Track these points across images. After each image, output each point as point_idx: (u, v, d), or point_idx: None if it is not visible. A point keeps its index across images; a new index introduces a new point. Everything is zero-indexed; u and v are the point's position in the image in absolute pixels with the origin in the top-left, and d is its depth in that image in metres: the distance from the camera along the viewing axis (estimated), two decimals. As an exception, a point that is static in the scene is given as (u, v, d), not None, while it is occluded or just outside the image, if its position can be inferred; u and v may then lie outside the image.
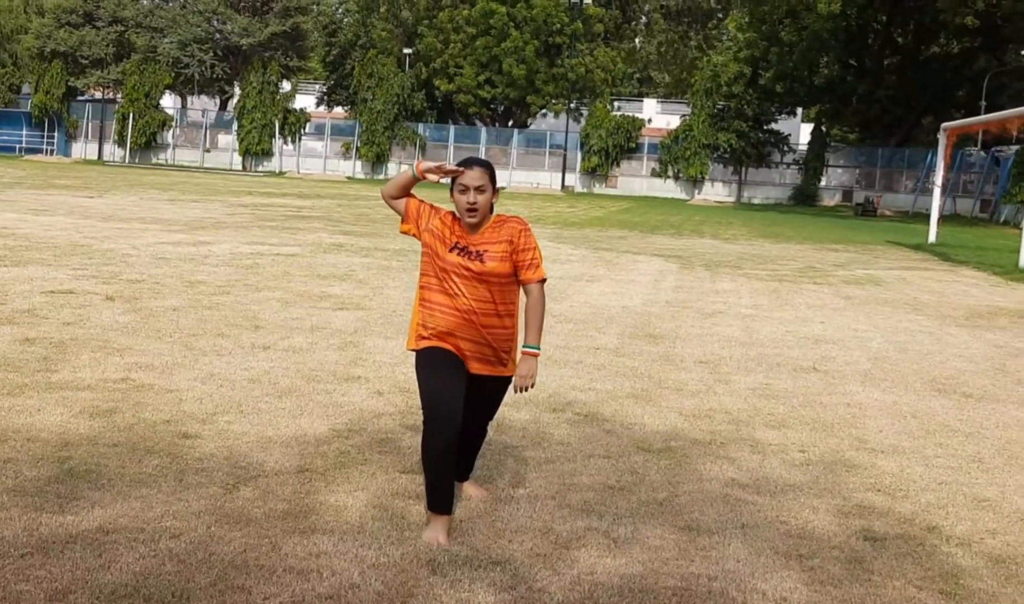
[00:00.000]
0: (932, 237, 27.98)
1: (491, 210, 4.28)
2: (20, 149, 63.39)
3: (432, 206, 4.36)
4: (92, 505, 4.22)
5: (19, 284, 10.06)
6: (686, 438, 5.93)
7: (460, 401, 4.13)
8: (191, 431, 5.37)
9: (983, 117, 33.50)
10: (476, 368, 4.26)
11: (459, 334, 4.20)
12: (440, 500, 4.12)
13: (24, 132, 64.44)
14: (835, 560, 4.19)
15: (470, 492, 4.61)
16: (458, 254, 4.20)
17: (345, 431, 5.58)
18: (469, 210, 4.20)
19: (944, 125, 30.07)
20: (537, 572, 3.86)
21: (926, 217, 33.03)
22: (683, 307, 11.63)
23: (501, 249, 4.21)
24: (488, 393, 4.42)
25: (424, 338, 4.26)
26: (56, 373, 6.46)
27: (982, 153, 53.12)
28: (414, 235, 4.34)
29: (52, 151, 63.52)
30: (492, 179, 4.24)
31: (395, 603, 3.54)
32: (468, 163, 4.28)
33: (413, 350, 4.31)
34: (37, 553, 3.71)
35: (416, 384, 4.27)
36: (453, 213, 4.32)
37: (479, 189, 4.18)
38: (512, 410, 6.08)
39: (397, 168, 61.07)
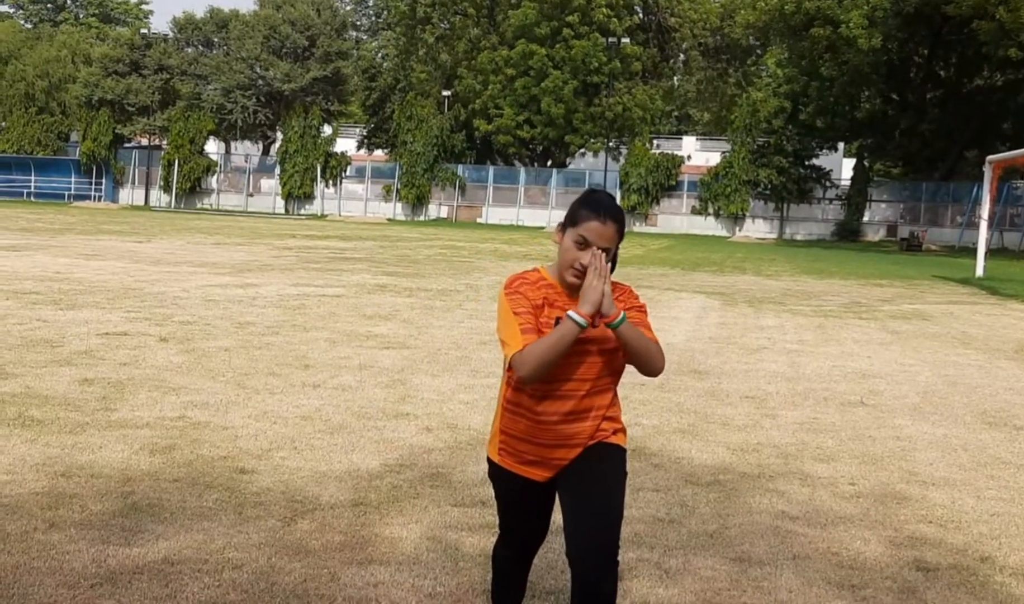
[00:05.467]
0: (979, 271, 27.64)
1: None
2: (69, 196, 64.79)
3: (531, 302, 3.10)
4: (156, 537, 4.34)
5: (75, 326, 10.31)
6: (734, 472, 5.96)
7: (543, 532, 3.41)
8: (248, 466, 5.49)
9: (1028, 149, 33.16)
10: (574, 453, 3.16)
11: (551, 439, 3.13)
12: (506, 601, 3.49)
13: (73, 179, 65.91)
14: (888, 590, 4.20)
15: None
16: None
17: (397, 466, 5.67)
18: (577, 273, 3.04)
19: (989, 158, 29.78)
20: (591, 602, 3.90)
21: (973, 251, 32.65)
22: (727, 343, 11.63)
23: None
24: (598, 475, 3.13)
25: (506, 452, 3.21)
26: (115, 412, 6.63)
27: (1029, 186, 52.58)
28: None
29: (100, 197, 64.90)
30: (621, 238, 3.14)
31: (453, 632, 3.61)
32: (599, 207, 3.06)
33: (490, 458, 3.30)
34: (106, 583, 3.84)
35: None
36: (535, 277, 3.16)
37: (604, 251, 3.05)
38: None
39: (437, 210, 61.51)
